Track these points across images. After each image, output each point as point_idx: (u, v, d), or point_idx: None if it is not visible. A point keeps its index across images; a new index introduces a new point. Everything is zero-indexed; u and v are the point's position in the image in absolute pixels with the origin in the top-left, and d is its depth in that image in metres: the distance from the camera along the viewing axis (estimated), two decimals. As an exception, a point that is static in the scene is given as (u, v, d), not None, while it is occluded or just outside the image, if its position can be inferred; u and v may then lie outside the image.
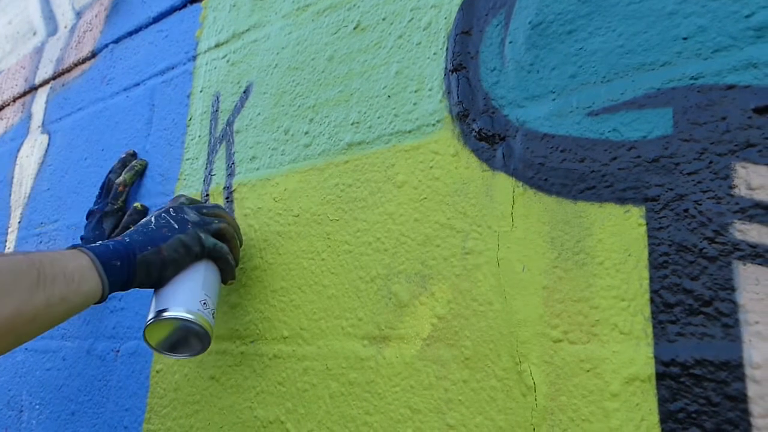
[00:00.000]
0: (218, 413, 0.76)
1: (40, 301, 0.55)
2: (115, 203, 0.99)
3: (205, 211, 0.74)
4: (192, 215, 0.71)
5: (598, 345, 0.50)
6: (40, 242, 1.22)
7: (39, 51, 1.48)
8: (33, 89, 1.46)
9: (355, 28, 0.76)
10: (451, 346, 0.58)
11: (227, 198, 0.86)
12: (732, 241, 0.45)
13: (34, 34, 1.55)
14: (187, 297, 0.66)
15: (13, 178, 1.40)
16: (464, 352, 0.57)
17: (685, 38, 0.50)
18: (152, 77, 1.09)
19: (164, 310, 0.65)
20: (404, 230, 0.65)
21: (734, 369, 0.43)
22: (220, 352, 0.79)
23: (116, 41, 1.23)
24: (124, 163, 1.04)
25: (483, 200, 0.60)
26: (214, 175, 0.89)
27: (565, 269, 0.53)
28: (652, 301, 0.48)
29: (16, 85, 1.52)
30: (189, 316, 0.65)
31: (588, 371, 0.50)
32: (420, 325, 0.61)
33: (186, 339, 0.68)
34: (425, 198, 0.64)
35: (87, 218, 1.00)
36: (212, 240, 0.71)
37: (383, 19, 0.73)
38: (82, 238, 0.98)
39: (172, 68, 1.05)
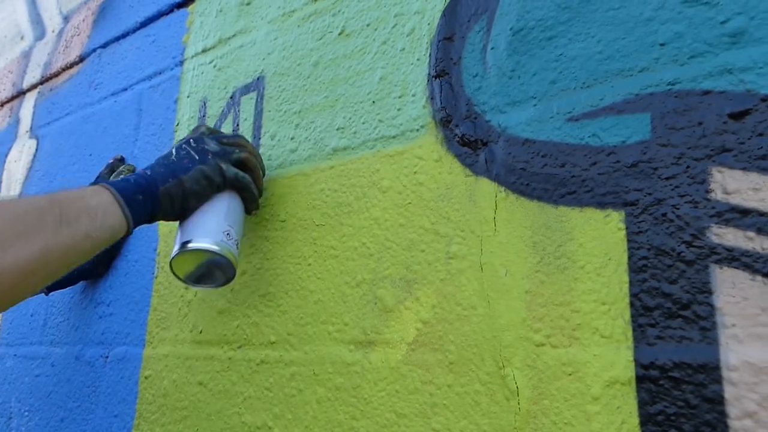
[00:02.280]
0: (206, 419, 0.76)
1: (66, 238, 0.56)
2: (103, 209, 0.99)
3: (225, 140, 0.73)
4: (212, 145, 0.71)
5: (579, 349, 0.50)
6: (29, 248, 1.21)
7: (27, 55, 1.48)
8: (21, 94, 1.46)
9: (339, 34, 0.77)
10: (436, 350, 0.59)
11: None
12: (709, 245, 0.46)
13: (22, 38, 1.54)
14: (210, 228, 0.67)
15: (1, 182, 1.40)
16: (449, 356, 0.58)
17: (662, 44, 0.51)
18: (140, 82, 1.09)
19: (188, 242, 0.66)
20: (389, 235, 0.65)
21: (712, 371, 0.44)
22: (208, 358, 0.79)
23: (104, 46, 1.22)
24: (112, 168, 1.04)
25: (466, 205, 0.60)
26: (201, 180, 0.89)
27: (547, 273, 0.53)
28: (631, 304, 0.49)
29: (4, 89, 1.52)
30: (213, 247, 0.65)
31: (570, 375, 0.50)
32: (405, 329, 0.61)
33: (210, 271, 0.69)
34: (410, 203, 0.65)
35: (75, 224, 1.00)
36: (234, 170, 0.70)
37: (367, 25, 0.74)
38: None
39: (160, 73, 1.05)
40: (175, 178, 0.66)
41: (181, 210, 0.68)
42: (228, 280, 0.70)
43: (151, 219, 0.67)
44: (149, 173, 0.66)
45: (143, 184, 0.64)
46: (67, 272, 0.59)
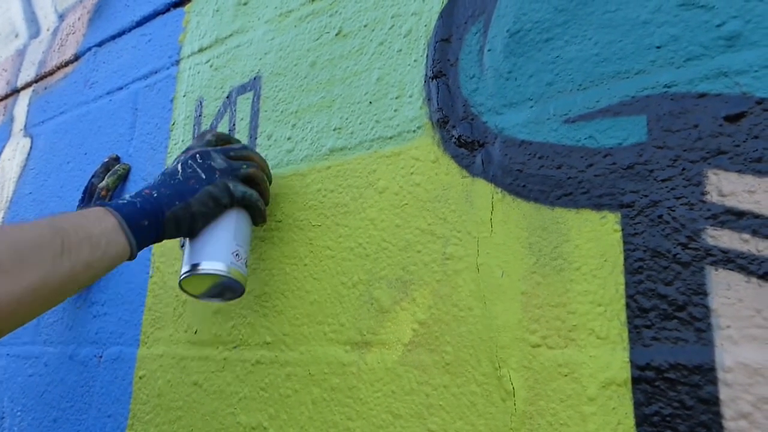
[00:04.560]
0: (201, 419, 0.76)
1: (65, 270, 0.55)
2: (98, 208, 0.98)
3: (232, 154, 0.71)
4: (219, 161, 0.69)
5: (575, 350, 0.51)
6: (22, 247, 1.20)
7: (21, 53, 1.47)
8: (15, 92, 1.45)
9: (337, 35, 0.77)
10: (432, 351, 0.59)
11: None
12: (704, 247, 0.46)
13: (16, 36, 1.53)
14: (220, 250, 0.66)
15: (-6, 182, 1.39)
16: (445, 357, 0.58)
17: (658, 47, 0.51)
18: (135, 81, 1.09)
19: (197, 265, 0.65)
20: (385, 236, 0.65)
21: (707, 373, 0.44)
22: (203, 358, 0.79)
23: (99, 44, 1.22)
24: (107, 168, 1.03)
25: (463, 206, 0.60)
26: (197, 180, 0.89)
27: (543, 275, 0.54)
28: (627, 306, 0.49)
29: (-2, 88, 1.51)
30: (223, 271, 0.65)
31: (566, 376, 0.51)
32: (401, 330, 0.61)
33: (220, 289, 0.69)
34: (406, 204, 0.65)
35: (69, 223, 0.99)
36: (241, 189, 0.69)
37: (365, 26, 0.74)
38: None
39: (156, 72, 1.05)
40: (182, 201, 0.64)
41: (188, 232, 0.67)
42: (236, 297, 0.71)
43: (155, 242, 0.65)
44: (155, 195, 0.64)
45: (149, 210, 0.63)
46: (64, 300, 0.58)
